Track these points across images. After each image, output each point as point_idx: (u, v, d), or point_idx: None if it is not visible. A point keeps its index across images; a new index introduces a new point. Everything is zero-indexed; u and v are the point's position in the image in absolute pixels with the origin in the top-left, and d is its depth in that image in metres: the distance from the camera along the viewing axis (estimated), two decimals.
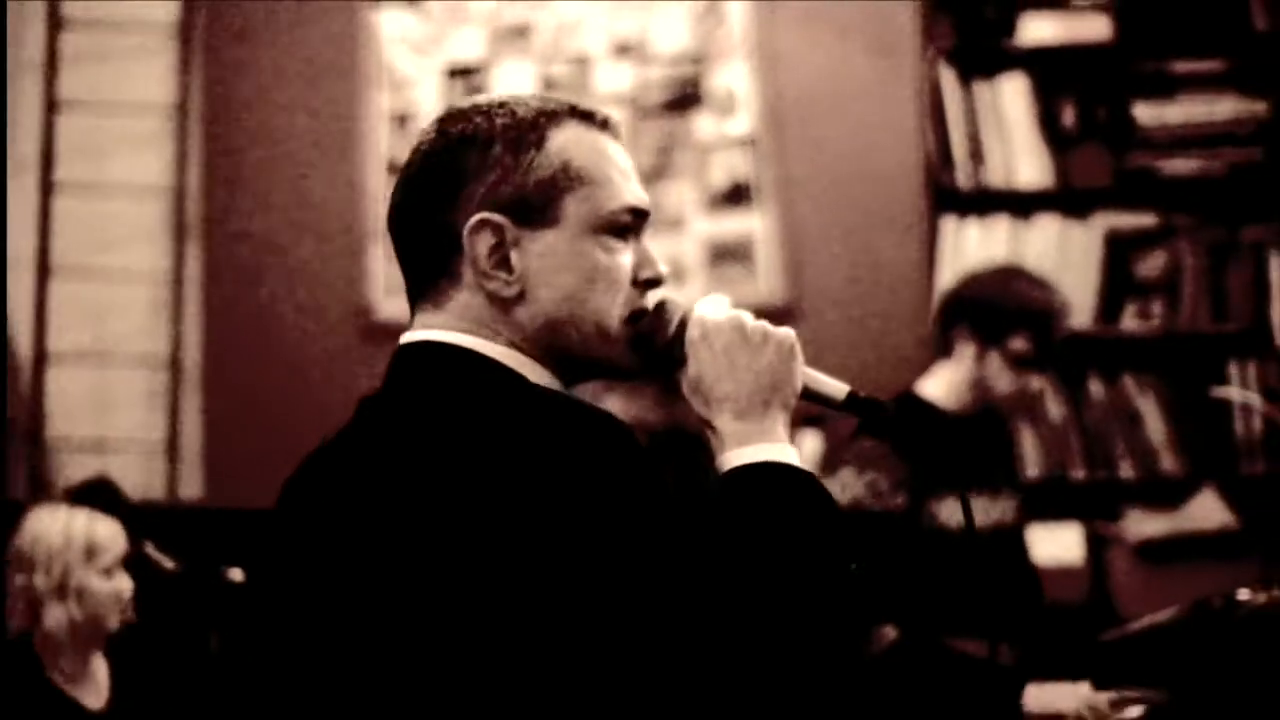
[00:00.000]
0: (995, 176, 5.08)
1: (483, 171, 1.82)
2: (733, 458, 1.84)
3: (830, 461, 3.79)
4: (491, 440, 1.74)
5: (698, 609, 1.69)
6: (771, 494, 1.80)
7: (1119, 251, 5.05)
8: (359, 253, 5.42)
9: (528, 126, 1.85)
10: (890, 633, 3.44)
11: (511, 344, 1.84)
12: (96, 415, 5.50)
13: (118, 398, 5.53)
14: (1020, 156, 5.07)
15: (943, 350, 3.80)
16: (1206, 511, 4.92)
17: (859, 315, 5.24)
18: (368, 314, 5.40)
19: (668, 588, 1.68)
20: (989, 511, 3.72)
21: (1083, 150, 5.08)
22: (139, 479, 5.30)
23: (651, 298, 1.92)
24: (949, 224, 5.06)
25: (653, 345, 1.91)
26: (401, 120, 5.36)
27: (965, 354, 3.72)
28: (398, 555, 1.76)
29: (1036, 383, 3.72)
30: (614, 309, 1.86)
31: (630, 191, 1.88)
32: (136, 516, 3.73)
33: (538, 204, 1.83)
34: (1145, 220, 5.07)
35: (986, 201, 5.07)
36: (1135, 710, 3.28)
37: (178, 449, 5.53)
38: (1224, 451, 5.01)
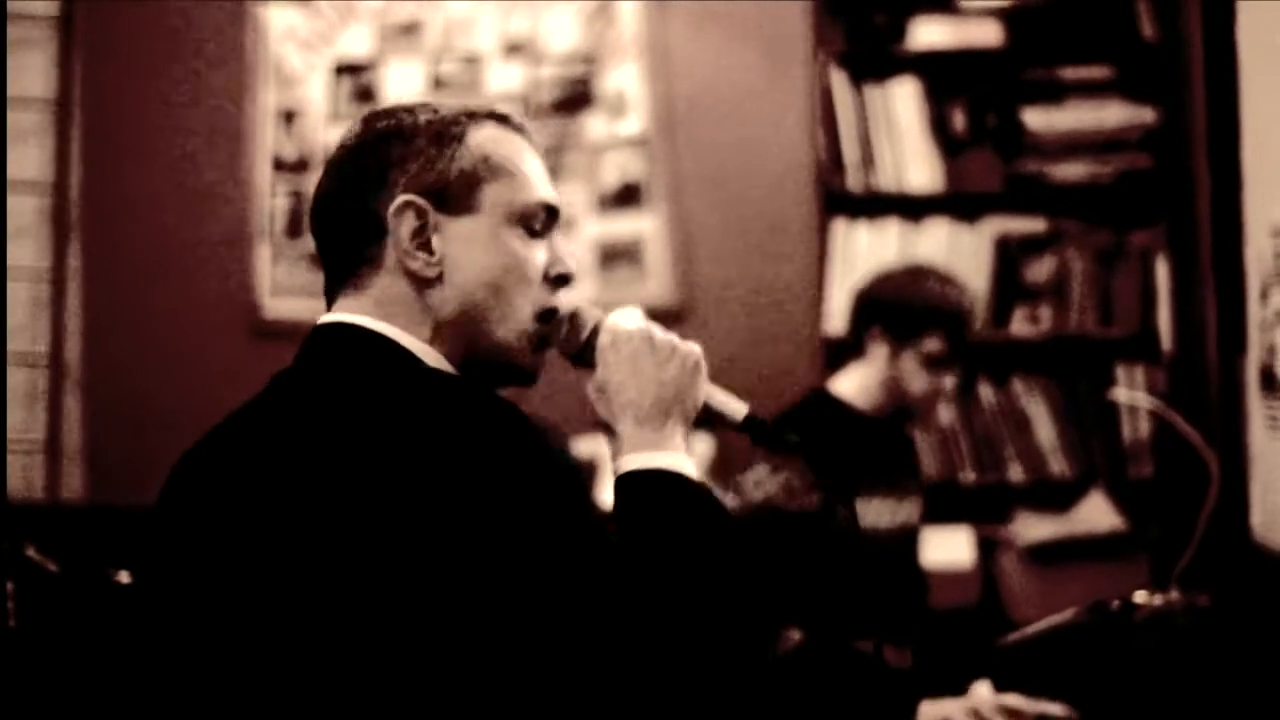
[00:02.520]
0: (886, 180, 5.09)
1: (407, 161, 1.90)
2: (628, 462, 1.89)
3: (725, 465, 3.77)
4: (392, 424, 1.76)
5: (580, 604, 1.70)
6: (661, 500, 1.84)
7: (1008, 256, 5.09)
8: (246, 251, 5.36)
9: (450, 123, 1.93)
10: (795, 635, 3.43)
11: (423, 334, 1.90)
12: None
13: None
14: (911, 160, 5.08)
15: (854, 350, 3.78)
16: (1096, 514, 4.96)
17: (750, 317, 5.23)
18: (254, 312, 5.34)
19: (551, 579, 1.69)
20: (895, 513, 3.73)
21: (973, 155, 5.11)
22: (20, 478, 5.22)
23: (562, 296, 1.99)
24: (840, 226, 5.08)
25: (561, 347, 1.99)
26: (289, 116, 5.31)
27: (878, 354, 3.71)
28: (289, 534, 1.76)
29: (949, 382, 3.72)
30: (526, 302, 1.93)
31: (544, 189, 1.97)
32: (16, 516, 3.61)
33: (458, 191, 1.91)
34: (1034, 225, 5.11)
35: (877, 205, 5.09)
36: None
37: (59, 448, 5.46)
38: (1112, 455, 5.05)
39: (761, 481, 3.54)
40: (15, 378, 5.43)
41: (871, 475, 3.67)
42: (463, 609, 1.69)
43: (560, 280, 1.97)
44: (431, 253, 1.90)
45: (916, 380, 3.68)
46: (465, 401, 1.78)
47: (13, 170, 5.41)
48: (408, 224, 1.89)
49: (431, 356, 1.90)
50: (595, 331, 1.98)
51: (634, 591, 1.72)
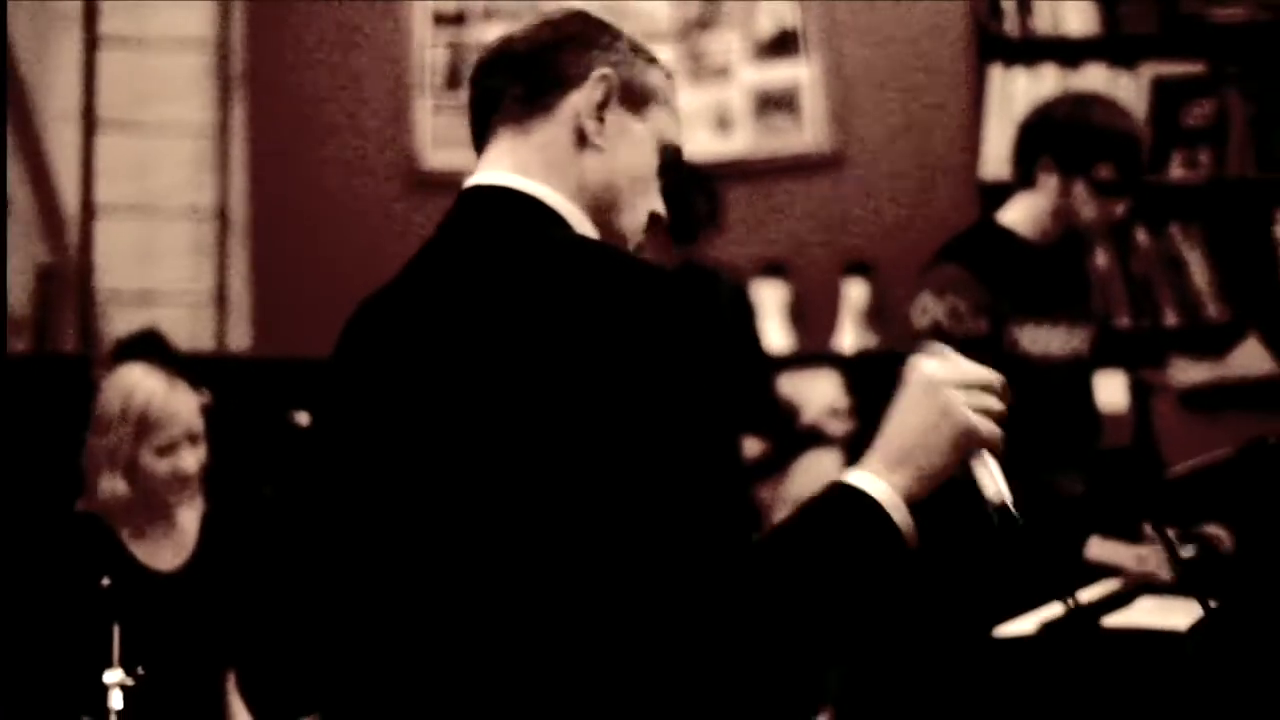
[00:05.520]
0: (1042, 24, 5.06)
1: (609, 50, 2.05)
2: (846, 475, 1.92)
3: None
4: (554, 293, 1.84)
5: (676, 529, 1.76)
6: (844, 519, 1.87)
7: (1166, 99, 5.04)
8: (405, 104, 5.43)
9: (645, 49, 2.09)
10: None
11: (568, 192, 2.00)
12: (143, 268, 5.55)
13: (164, 250, 5.57)
14: (1068, 4, 5.04)
15: (1021, 181, 3.77)
16: (1250, 359, 4.94)
17: (906, 163, 5.24)
18: (414, 164, 5.42)
19: (664, 497, 1.76)
20: (1067, 340, 3.73)
21: None
22: (187, 330, 5.35)
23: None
24: (996, 72, 5.06)
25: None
26: None
27: (1048, 183, 3.69)
28: (452, 401, 1.84)
29: (1121, 208, 3.71)
30: (644, 211, 2.06)
31: (682, 137, 2.12)
32: (187, 366, 3.68)
33: (640, 97, 2.05)
34: (1193, 68, 5.05)
35: (1033, 49, 5.06)
36: (1190, 549, 3.32)
37: (225, 300, 5.58)
38: (1269, 300, 5.02)
39: (928, 308, 3.56)
40: (181, 231, 5.56)
41: (1041, 303, 3.68)
42: (588, 483, 1.76)
43: (654, 218, 2.08)
44: (604, 125, 2.02)
45: (1088, 207, 3.66)
46: (629, 278, 1.86)
47: (176, 27, 5.51)
48: (599, 92, 2.00)
49: (583, 225, 2.00)
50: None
51: (739, 559, 1.78)
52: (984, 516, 1.98)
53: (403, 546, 1.86)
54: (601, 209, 2.01)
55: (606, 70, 2.01)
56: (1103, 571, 3.39)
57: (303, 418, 3.54)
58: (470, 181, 2.00)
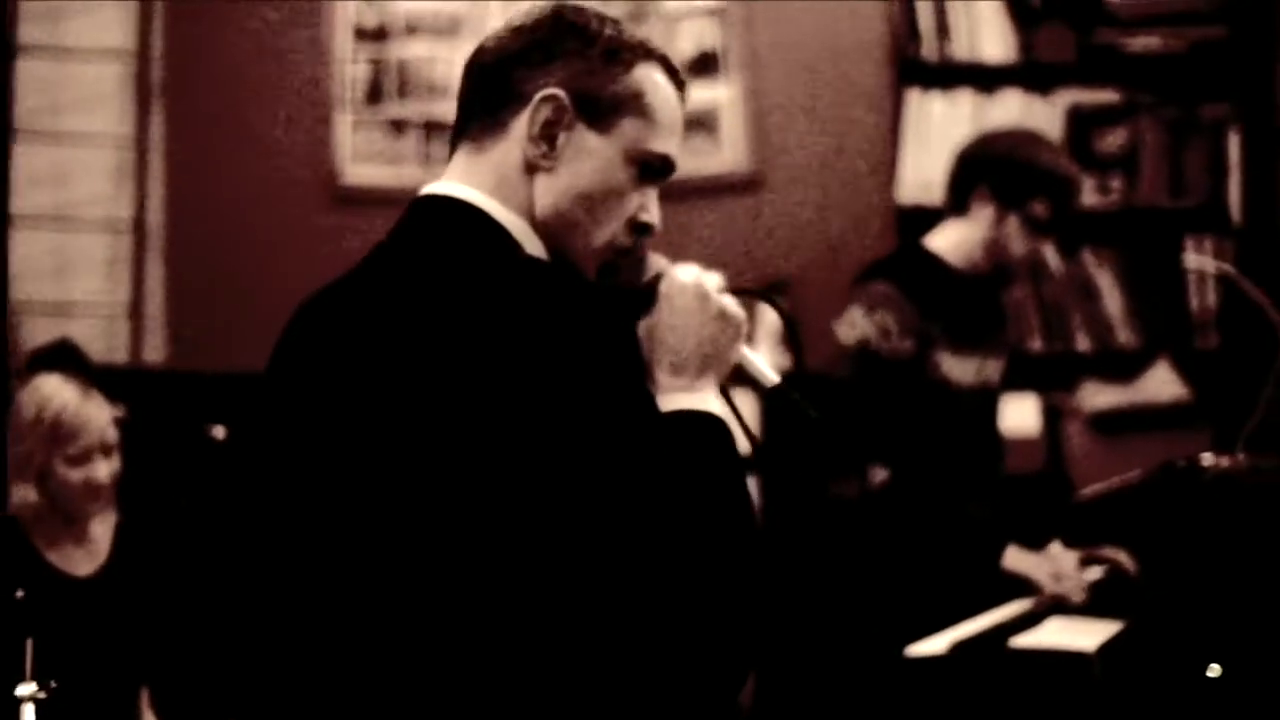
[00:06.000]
0: (960, 50, 5.11)
1: (574, 59, 1.99)
2: (661, 404, 1.99)
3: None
4: (489, 308, 1.87)
5: (616, 510, 1.82)
6: (691, 439, 1.95)
7: (1081, 126, 5.10)
8: (325, 119, 5.42)
9: (625, 48, 2.01)
10: (881, 473, 3.50)
11: (521, 212, 1.99)
12: (59, 279, 5.50)
13: (80, 262, 5.53)
14: (986, 30, 5.09)
15: (953, 209, 3.81)
16: (1160, 384, 5.00)
17: (823, 185, 5.27)
18: (333, 179, 5.41)
19: (601, 479, 1.82)
20: (981, 370, 3.78)
21: (1048, 26, 5.11)
22: (103, 343, 5.32)
23: (639, 242, 2.07)
24: (914, 96, 5.10)
25: (622, 283, 2.07)
26: None
27: (983, 213, 3.74)
28: (385, 404, 1.87)
29: (1049, 248, 3.77)
30: (607, 230, 2.01)
31: (672, 145, 2.04)
32: (101, 379, 3.67)
33: (602, 109, 1.99)
34: (1107, 96, 5.12)
35: (951, 75, 5.11)
36: (1096, 571, 3.36)
37: (141, 313, 5.55)
38: (1179, 326, 5.09)
39: (857, 323, 3.60)
40: (99, 244, 5.52)
41: (961, 331, 3.72)
42: (517, 484, 1.80)
43: (642, 228, 2.04)
44: (553, 148, 1.98)
45: (1018, 243, 3.71)
46: (557, 295, 1.90)
47: (96, 37, 5.47)
48: (544, 114, 1.97)
49: (531, 241, 1.99)
50: (658, 277, 2.06)
51: (656, 505, 1.84)
52: (776, 403, 2.08)
53: (329, 552, 1.88)
54: (553, 231, 1.99)
55: (554, 90, 1.97)
56: (1017, 584, 3.43)
57: (218, 431, 3.53)
58: (423, 190, 2.03)
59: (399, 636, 1.82)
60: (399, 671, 1.82)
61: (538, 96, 1.97)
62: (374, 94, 5.34)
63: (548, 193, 1.98)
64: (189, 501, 3.83)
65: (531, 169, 1.98)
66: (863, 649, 3.48)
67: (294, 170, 5.44)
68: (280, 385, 1.99)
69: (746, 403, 2.11)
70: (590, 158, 1.99)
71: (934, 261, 3.77)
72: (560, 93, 1.97)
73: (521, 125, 1.98)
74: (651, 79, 2.01)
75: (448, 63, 5.30)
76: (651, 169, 2.02)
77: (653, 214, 2.05)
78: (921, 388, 3.63)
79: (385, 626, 1.83)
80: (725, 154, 5.28)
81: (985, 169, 3.76)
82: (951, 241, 3.78)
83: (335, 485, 1.88)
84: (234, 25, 5.44)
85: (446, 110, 5.59)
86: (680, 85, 2.06)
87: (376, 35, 5.34)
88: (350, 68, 5.37)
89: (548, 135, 1.98)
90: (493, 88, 2.01)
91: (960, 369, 3.72)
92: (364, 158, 5.36)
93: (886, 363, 3.59)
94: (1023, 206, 3.71)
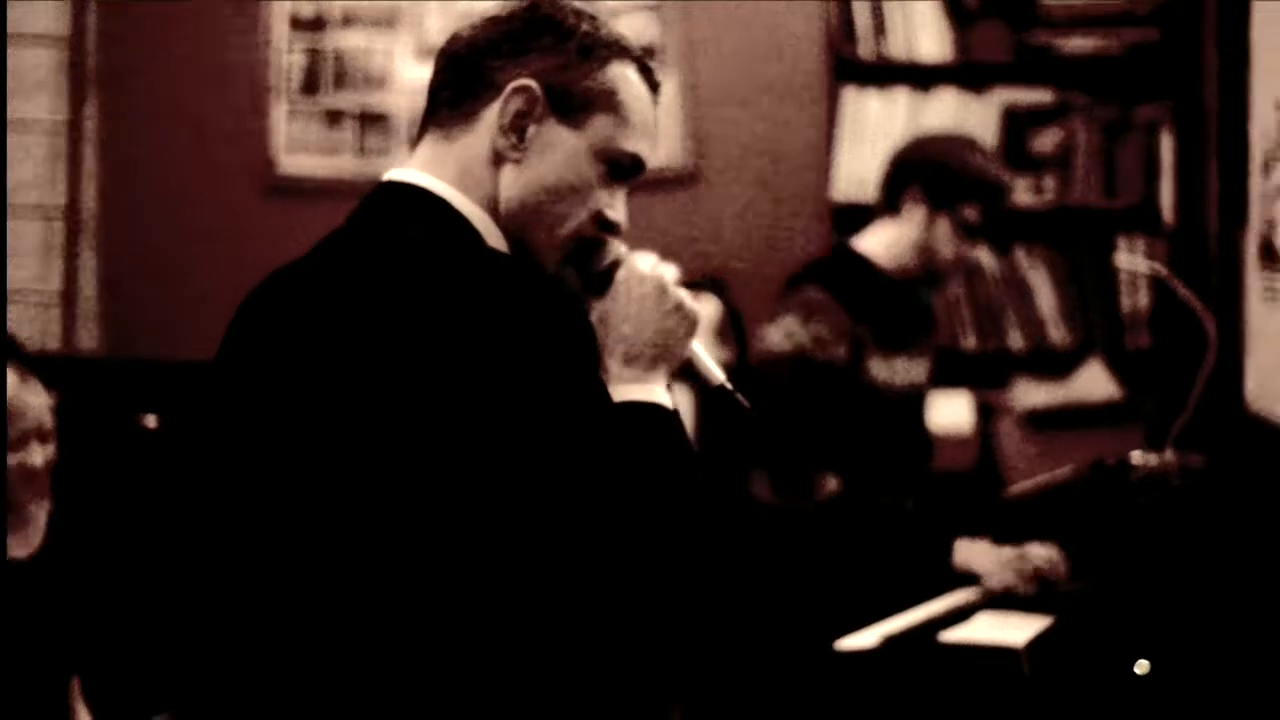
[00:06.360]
0: (896, 48, 5.13)
1: (550, 52, 1.99)
2: (613, 394, 2.00)
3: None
4: (442, 293, 1.87)
5: (568, 491, 1.83)
6: (642, 431, 1.96)
7: (1015, 126, 5.13)
8: (261, 107, 5.40)
9: (602, 44, 2.02)
10: (831, 482, 3.52)
11: (485, 204, 1.99)
12: None
13: (14, 249, 5.49)
14: (922, 29, 5.12)
15: (884, 209, 3.83)
16: (1093, 382, 5.04)
17: (759, 182, 5.29)
18: (269, 169, 5.39)
19: (551, 470, 1.83)
20: (907, 372, 3.80)
21: (983, 25, 5.14)
22: (36, 330, 5.29)
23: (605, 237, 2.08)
24: (849, 94, 5.12)
25: (583, 269, 2.06)
26: None
27: (913, 216, 3.76)
28: (336, 390, 1.87)
29: (977, 252, 3.79)
30: (571, 223, 2.01)
31: (645, 144, 2.05)
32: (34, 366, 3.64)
33: (574, 103, 1.99)
34: (1042, 96, 5.15)
35: (887, 73, 5.13)
36: (1033, 566, 3.38)
37: (75, 300, 5.52)
38: (1111, 325, 5.13)
39: (792, 332, 3.62)
40: (32, 230, 5.48)
41: (890, 334, 3.74)
42: (465, 472, 1.82)
43: (607, 225, 2.04)
44: (523, 139, 1.98)
45: (948, 246, 3.73)
46: (512, 284, 1.90)
47: (31, 23, 5.43)
48: (516, 104, 1.97)
49: (492, 233, 1.99)
50: (615, 264, 2.06)
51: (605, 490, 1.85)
52: (718, 400, 2.09)
53: (287, 539, 1.88)
54: (516, 223, 1.99)
55: (526, 81, 1.97)
56: (965, 578, 3.45)
57: (150, 420, 3.52)
58: (387, 176, 2.03)
59: (345, 621, 1.82)
60: (345, 656, 1.82)
61: (510, 87, 1.98)
62: (310, 84, 5.33)
63: (514, 184, 1.98)
64: (121, 490, 3.82)
65: (499, 160, 1.99)
66: (793, 643, 3.50)
67: (229, 159, 5.42)
68: (233, 372, 1.99)
69: (684, 399, 2.12)
70: (559, 151, 1.99)
71: (864, 264, 3.79)
72: (533, 84, 1.97)
73: (492, 115, 1.98)
74: (626, 77, 2.02)
75: (385, 54, 5.30)
76: (621, 168, 2.03)
77: (619, 212, 2.05)
78: (855, 392, 3.65)
79: (333, 612, 1.83)
80: (662, 149, 5.29)
81: (918, 171, 3.78)
82: (882, 243, 3.80)
83: (289, 470, 1.88)
84: (170, 13, 5.42)
85: (382, 101, 5.63)
86: (654, 86, 2.07)
87: (313, 25, 5.32)
88: (286, 57, 5.35)
89: (518, 126, 1.98)
90: (465, 76, 2.01)
91: (888, 371, 3.74)
92: (299, 147, 5.35)
93: (822, 370, 3.60)
94: (954, 210, 3.73)
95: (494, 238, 1.99)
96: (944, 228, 3.74)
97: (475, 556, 1.79)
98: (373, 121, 5.31)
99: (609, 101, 2.00)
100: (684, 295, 2.06)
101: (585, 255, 2.06)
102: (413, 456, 1.81)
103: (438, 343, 1.83)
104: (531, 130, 1.98)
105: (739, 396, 2.10)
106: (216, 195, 5.43)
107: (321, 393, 1.86)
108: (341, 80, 5.33)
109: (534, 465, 1.81)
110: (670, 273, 2.07)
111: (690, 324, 2.05)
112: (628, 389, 1.98)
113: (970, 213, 3.73)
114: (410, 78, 5.25)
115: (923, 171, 3.76)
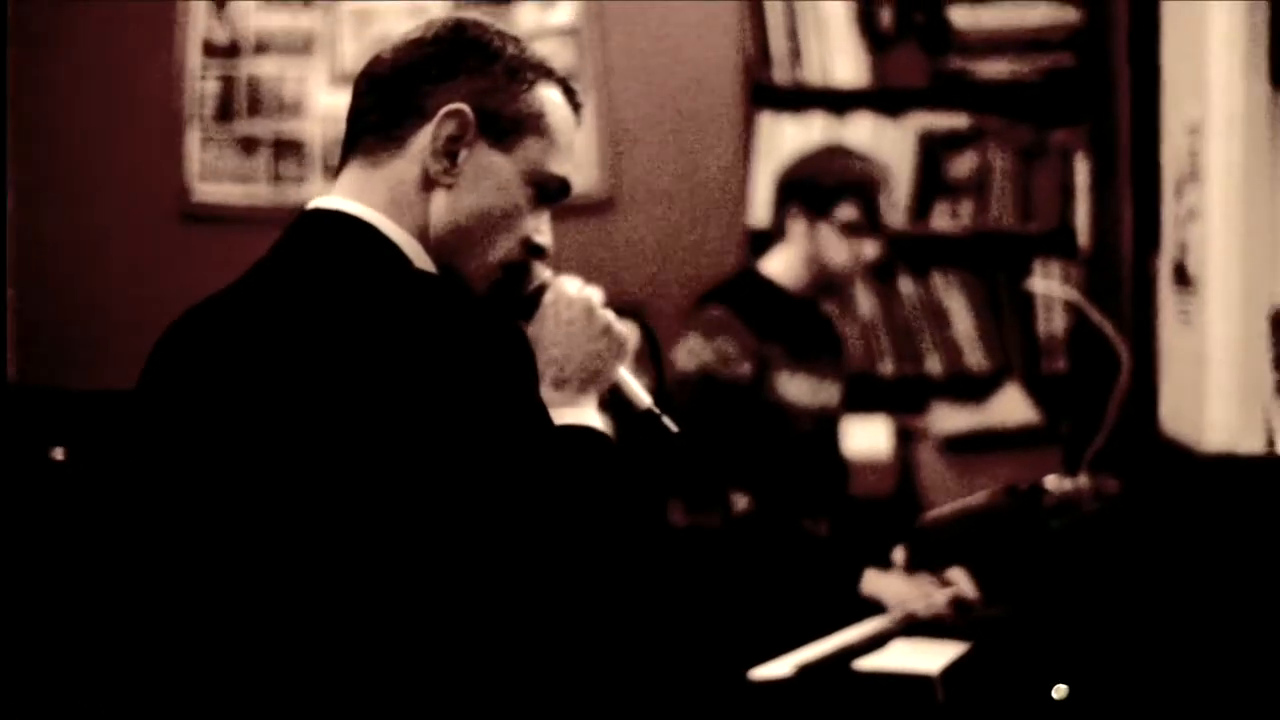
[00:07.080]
0: (812, 74, 5.15)
1: (477, 75, 1.98)
2: (565, 417, 2.01)
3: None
4: (379, 321, 1.86)
5: (511, 513, 1.83)
6: (576, 454, 1.97)
7: (931, 151, 5.16)
8: (175, 135, 5.36)
9: (528, 66, 2.01)
10: (741, 501, 3.52)
11: (413, 230, 1.98)
12: None
13: None
14: (837, 55, 5.13)
15: (777, 232, 3.89)
16: (1010, 406, 5.06)
17: (676, 207, 5.28)
18: (183, 196, 5.35)
19: (482, 491, 1.82)
20: (816, 393, 3.82)
21: (899, 50, 5.16)
22: None
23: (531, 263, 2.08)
24: (765, 119, 5.13)
25: (510, 294, 2.06)
26: (220, 1, 5.30)
27: (798, 231, 3.82)
28: (266, 419, 1.85)
29: (870, 249, 3.82)
30: (501, 250, 2.01)
31: (570, 167, 2.06)
32: None
33: (505, 127, 1.98)
34: (957, 121, 5.18)
35: (803, 98, 5.15)
36: (943, 595, 3.38)
37: None
38: (1028, 349, 5.15)
39: (696, 351, 3.64)
40: None
41: (796, 352, 3.77)
42: (395, 496, 1.80)
43: (535, 250, 2.04)
44: (455, 164, 1.97)
45: (836, 251, 3.78)
46: (450, 307, 1.88)
47: None
48: (448, 129, 1.96)
49: (421, 258, 1.97)
50: (542, 287, 2.07)
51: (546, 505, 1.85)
52: (643, 424, 2.10)
53: (205, 572, 1.85)
54: (447, 249, 1.98)
55: (459, 105, 1.96)
56: (873, 607, 3.45)
57: (58, 453, 3.47)
58: (311, 204, 2.01)
59: (271, 653, 1.80)
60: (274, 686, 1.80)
61: (442, 111, 1.96)
62: (224, 111, 5.29)
63: (446, 210, 1.97)
64: (26, 523, 3.77)
65: (430, 185, 1.97)
66: (706, 671, 3.50)
67: (142, 187, 5.38)
68: (156, 402, 1.95)
69: (605, 423, 2.11)
70: (491, 176, 1.98)
71: (767, 285, 3.83)
72: (465, 108, 1.96)
73: (423, 140, 1.97)
74: (552, 99, 2.02)
75: (299, 81, 5.26)
76: (548, 191, 2.02)
77: (547, 236, 2.04)
78: (762, 411, 3.67)
79: (259, 641, 1.81)
80: (578, 175, 5.27)
81: (793, 188, 3.86)
82: (781, 264, 3.86)
83: (221, 504, 1.84)
84: (81, 41, 5.37)
85: (297, 128, 5.59)
86: (577, 107, 2.06)
87: (227, 51, 5.28)
88: (200, 84, 5.32)
89: (450, 151, 1.97)
90: (391, 101, 1.99)
91: (797, 390, 3.77)
92: (213, 175, 5.31)
93: (727, 388, 3.63)
94: (829, 213, 3.79)
95: (422, 263, 1.97)
96: (826, 234, 3.79)
97: (408, 589, 1.78)
98: (288, 149, 5.27)
99: (537, 124, 2.00)
100: (612, 318, 2.07)
101: (512, 279, 2.05)
102: (351, 485, 1.79)
103: (380, 368, 1.81)
104: (463, 155, 1.97)
105: (666, 420, 2.10)
106: (131, 223, 5.38)
107: (255, 422, 1.84)
108: (256, 107, 5.29)
109: (478, 488, 1.80)
110: (597, 295, 2.08)
111: (619, 346, 2.06)
112: (560, 412, 1.98)
113: (847, 212, 3.78)
114: (325, 104, 5.23)
115: (796, 187, 3.84)
